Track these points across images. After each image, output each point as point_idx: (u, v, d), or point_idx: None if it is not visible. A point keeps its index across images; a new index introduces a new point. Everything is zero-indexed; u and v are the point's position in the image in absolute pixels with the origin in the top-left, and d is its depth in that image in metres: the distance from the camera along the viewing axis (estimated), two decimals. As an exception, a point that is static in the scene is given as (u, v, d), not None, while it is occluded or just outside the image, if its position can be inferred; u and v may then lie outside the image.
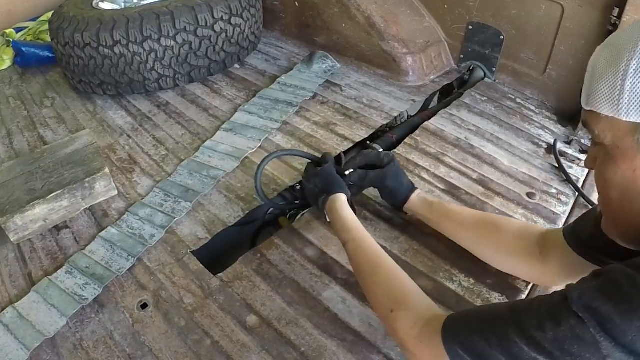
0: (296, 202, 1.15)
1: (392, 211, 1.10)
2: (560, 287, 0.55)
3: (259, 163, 1.04)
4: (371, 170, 1.03)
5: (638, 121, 0.49)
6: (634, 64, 0.48)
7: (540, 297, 0.54)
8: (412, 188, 1.02)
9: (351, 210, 0.92)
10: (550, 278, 0.85)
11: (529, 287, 0.91)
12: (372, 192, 1.16)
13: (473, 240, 0.93)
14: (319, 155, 1.07)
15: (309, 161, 1.08)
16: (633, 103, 0.49)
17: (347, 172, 1.02)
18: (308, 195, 1.03)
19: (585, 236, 0.73)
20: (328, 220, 0.95)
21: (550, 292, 0.54)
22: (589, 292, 0.48)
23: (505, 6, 1.47)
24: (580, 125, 1.36)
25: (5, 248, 1.08)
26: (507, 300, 0.89)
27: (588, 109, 0.54)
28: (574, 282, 0.52)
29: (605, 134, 0.53)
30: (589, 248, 0.72)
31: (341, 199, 0.94)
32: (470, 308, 0.70)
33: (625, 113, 0.50)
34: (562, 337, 0.48)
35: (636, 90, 0.48)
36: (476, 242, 0.92)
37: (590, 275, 0.51)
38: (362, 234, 0.86)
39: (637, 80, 0.48)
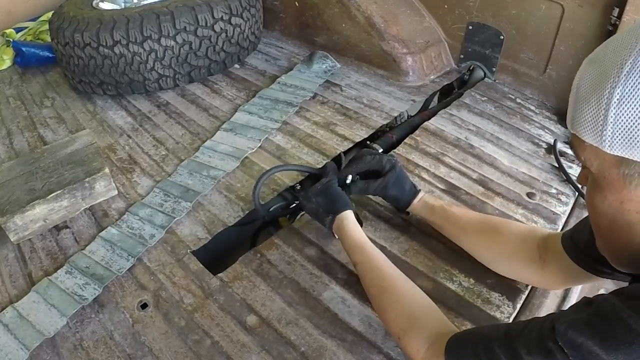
0: (296, 202, 1.15)
1: (392, 211, 1.10)
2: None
3: (256, 181, 1.04)
4: (372, 181, 1.01)
5: (623, 155, 0.46)
6: (618, 92, 0.44)
7: (534, 321, 0.54)
8: (415, 192, 1.01)
9: (359, 228, 0.91)
10: (549, 283, 0.86)
11: (529, 287, 0.91)
12: (372, 192, 1.16)
13: (474, 244, 0.93)
14: (315, 164, 1.06)
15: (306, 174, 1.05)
16: (617, 136, 0.45)
17: (348, 181, 1.01)
18: (311, 214, 1.01)
19: (582, 243, 0.72)
20: (337, 237, 0.94)
21: (543, 316, 0.54)
22: (577, 325, 0.48)
23: (505, 6, 1.47)
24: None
25: (5, 248, 1.08)
26: (506, 300, 0.89)
27: (572, 132, 0.51)
28: (565, 310, 0.52)
29: (591, 162, 0.50)
30: (586, 256, 0.71)
31: (349, 217, 0.92)
32: (473, 328, 0.69)
33: (609, 146, 0.46)
34: None
35: (620, 122, 0.44)
36: (477, 246, 0.93)
37: (581, 304, 0.51)
38: (372, 254, 0.86)
39: (621, 110, 0.44)
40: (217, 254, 1.12)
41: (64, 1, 1.74)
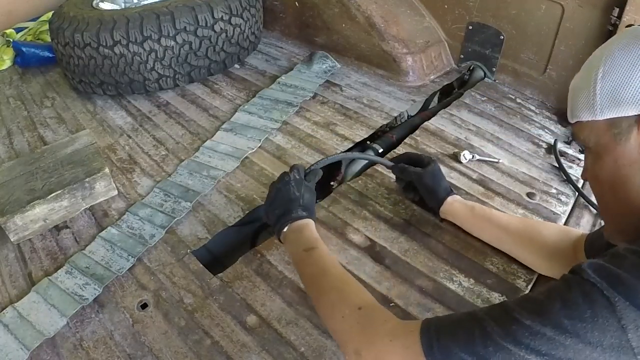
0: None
1: (392, 211, 1.10)
2: None
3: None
4: (411, 167, 1.04)
5: (611, 116, 0.58)
6: (600, 72, 0.58)
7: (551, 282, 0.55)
8: (450, 192, 1.02)
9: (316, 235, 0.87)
10: None
11: (529, 287, 0.91)
12: (371, 193, 1.16)
13: (515, 244, 0.95)
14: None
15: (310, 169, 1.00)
16: (604, 102, 0.57)
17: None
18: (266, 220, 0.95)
19: (599, 248, 0.74)
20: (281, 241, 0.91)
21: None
22: (597, 263, 0.49)
23: (505, 6, 1.47)
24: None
25: (5, 248, 1.08)
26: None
27: (574, 121, 0.63)
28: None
29: (590, 137, 0.61)
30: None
31: (303, 227, 0.87)
32: (447, 315, 0.63)
33: (600, 113, 0.58)
34: (573, 305, 0.48)
35: (604, 91, 0.57)
36: (518, 246, 0.94)
37: (594, 259, 0.52)
38: (327, 249, 0.83)
39: (604, 83, 0.57)
40: (217, 254, 1.12)
41: (64, 1, 1.74)
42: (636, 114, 0.56)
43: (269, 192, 0.95)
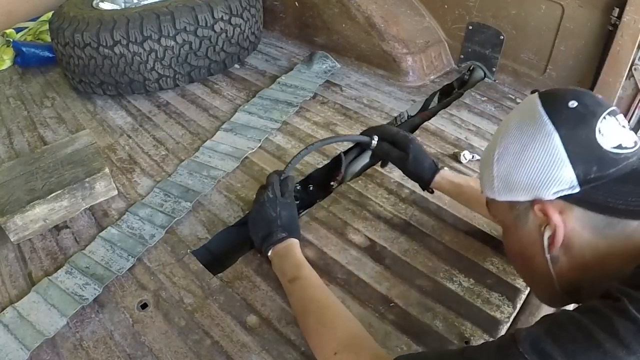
0: (296, 202, 1.14)
1: (392, 211, 1.10)
2: None
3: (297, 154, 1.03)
4: (394, 150, 1.02)
5: (508, 199, 0.60)
6: (496, 155, 0.60)
7: (490, 341, 0.56)
8: (435, 169, 1.01)
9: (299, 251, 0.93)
10: None
11: (529, 287, 0.91)
12: (371, 193, 1.16)
13: None
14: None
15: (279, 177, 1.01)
16: (501, 185, 0.60)
17: (374, 142, 1.02)
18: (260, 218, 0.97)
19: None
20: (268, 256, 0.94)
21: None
22: (537, 333, 0.48)
23: (505, 6, 1.47)
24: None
25: (5, 248, 1.08)
26: (506, 300, 0.89)
27: (483, 193, 0.65)
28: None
29: (496, 214, 0.65)
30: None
31: (288, 247, 0.93)
32: (419, 353, 0.71)
33: (499, 194, 0.61)
34: None
35: (500, 175, 0.59)
36: None
37: (540, 320, 0.52)
38: (313, 273, 0.87)
39: (499, 167, 0.59)
40: (217, 254, 1.12)
41: (64, 1, 1.74)
42: (528, 199, 0.57)
43: (249, 212, 0.99)
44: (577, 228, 0.56)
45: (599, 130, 0.54)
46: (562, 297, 0.62)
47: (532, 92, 0.62)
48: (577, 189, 0.54)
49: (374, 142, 1.03)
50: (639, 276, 0.50)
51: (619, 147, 0.54)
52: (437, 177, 1.00)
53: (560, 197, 0.55)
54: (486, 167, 0.62)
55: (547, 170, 0.55)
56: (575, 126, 0.54)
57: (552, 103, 0.57)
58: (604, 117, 0.54)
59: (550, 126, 0.55)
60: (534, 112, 0.57)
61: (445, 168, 1.03)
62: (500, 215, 0.65)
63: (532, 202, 0.57)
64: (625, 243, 0.54)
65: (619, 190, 0.53)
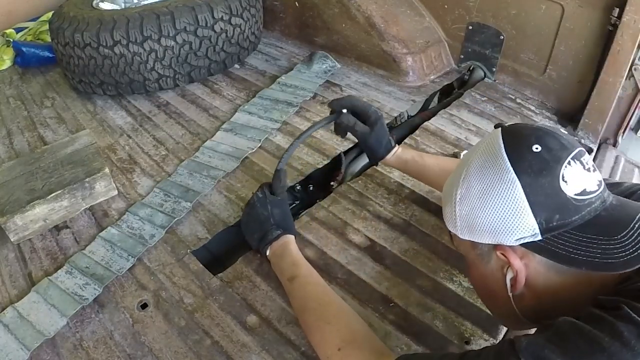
0: (296, 202, 1.15)
1: (392, 211, 1.10)
2: None
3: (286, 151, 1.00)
4: (359, 123, 1.00)
5: (471, 239, 0.59)
6: (458, 195, 0.59)
7: (490, 346, 0.56)
8: (391, 147, 1.04)
9: (296, 249, 0.94)
10: None
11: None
12: (371, 193, 1.16)
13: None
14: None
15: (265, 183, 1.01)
16: (463, 225, 0.59)
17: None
18: (250, 225, 0.98)
19: None
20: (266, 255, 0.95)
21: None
22: (537, 341, 0.48)
23: (505, 6, 1.47)
24: (580, 125, 1.37)
25: (5, 248, 1.08)
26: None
27: (446, 226, 0.65)
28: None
29: (460, 248, 0.65)
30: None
31: (285, 244, 0.94)
32: (422, 353, 0.72)
33: (461, 233, 0.60)
34: None
35: (462, 215, 0.59)
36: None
37: (539, 329, 0.53)
38: (312, 271, 0.88)
39: (461, 207, 0.59)
40: (217, 254, 1.12)
41: (64, 1, 1.74)
42: (491, 242, 0.57)
43: (242, 216, 1.00)
44: (541, 270, 0.56)
45: (563, 177, 0.52)
46: (523, 323, 0.63)
47: (496, 127, 0.61)
48: (539, 237, 0.53)
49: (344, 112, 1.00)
50: (625, 291, 0.50)
51: (583, 192, 0.53)
52: (388, 156, 1.04)
53: (522, 244, 0.55)
54: (448, 204, 0.62)
55: (509, 218, 0.54)
56: (538, 174, 0.53)
57: (515, 147, 0.55)
58: (568, 163, 0.53)
59: (512, 174, 0.53)
60: (497, 155, 0.56)
61: (399, 146, 1.06)
62: (463, 250, 0.65)
63: (495, 246, 0.57)
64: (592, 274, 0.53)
65: (580, 239, 0.52)
